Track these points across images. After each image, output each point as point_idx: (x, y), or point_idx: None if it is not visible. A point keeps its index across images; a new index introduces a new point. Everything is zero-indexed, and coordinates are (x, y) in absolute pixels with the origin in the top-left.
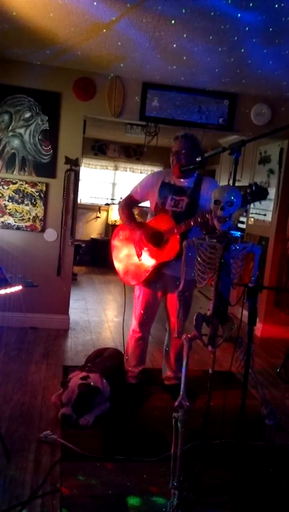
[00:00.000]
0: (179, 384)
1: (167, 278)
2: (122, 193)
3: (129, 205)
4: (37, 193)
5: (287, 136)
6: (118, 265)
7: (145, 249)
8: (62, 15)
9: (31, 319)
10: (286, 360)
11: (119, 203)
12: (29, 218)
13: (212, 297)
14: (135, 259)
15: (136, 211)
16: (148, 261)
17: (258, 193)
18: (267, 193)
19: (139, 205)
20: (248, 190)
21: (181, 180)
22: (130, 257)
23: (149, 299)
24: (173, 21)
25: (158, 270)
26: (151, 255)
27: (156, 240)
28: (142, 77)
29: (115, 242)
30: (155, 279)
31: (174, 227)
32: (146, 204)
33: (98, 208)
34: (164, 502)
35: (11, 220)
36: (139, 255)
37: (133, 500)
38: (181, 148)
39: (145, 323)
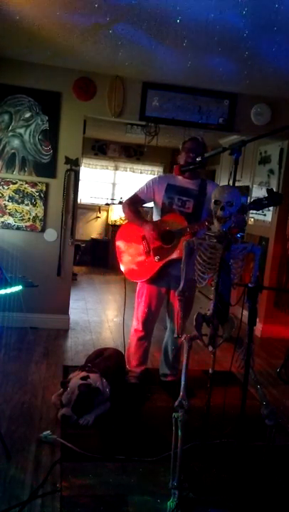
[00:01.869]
0: (176, 380)
1: (173, 277)
2: (122, 193)
3: (134, 203)
4: (37, 193)
5: (287, 136)
6: (124, 261)
7: (155, 246)
8: (63, 15)
9: (31, 319)
10: (286, 360)
11: (124, 202)
12: (29, 218)
13: (212, 297)
14: (143, 255)
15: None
16: (157, 258)
17: (274, 198)
18: (282, 199)
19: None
20: (265, 195)
21: (187, 181)
22: (138, 253)
23: (153, 297)
24: (178, 20)
25: (165, 269)
26: (162, 253)
27: (167, 238)
28: (142, 77)
29: (121, 240)
30: (160, 277)
31: (187, 226)
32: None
33: (98, 208)
34: (164, 502)
35: (11, 220)
36: (147, 252)
37: (133, 500)
38: (195, 149)
39: (149, 321)
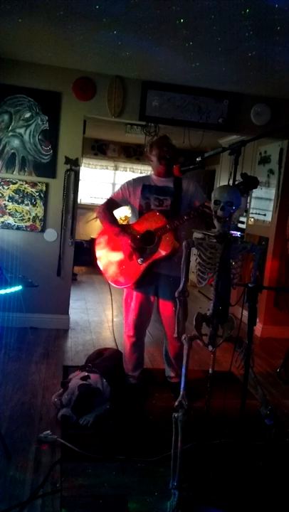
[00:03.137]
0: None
1: (160, 278)
2: None
3: (110, 208)
4: (37, 193)
5: (287, 136)
6: (107, 269)
7: (137, 248)
8: (64, 15)
9: (31, 319)
10: (286, 360)
11: (99, 206)
12: (29, 218)
13: (212, 297)
14: (125, 260)
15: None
16: (140, 260)
17: (250, 182)
18: (257, 182)
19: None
20: (240, 181)
21: (162, 179)
22: (119, 258)
23: (142, 303)
24: (182, 20)
25: (150, 270)
26: (144, 254)
27: (148, 239)
28: (142, 77)
29: (100, 248)
30: (147, 280)
31: (167, 223)
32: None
33: None
34: (164, 502)
35: (11, 220)
36: (129, 256)
37: (133, 501)
38: (167, 144)
39: (140, 327)
